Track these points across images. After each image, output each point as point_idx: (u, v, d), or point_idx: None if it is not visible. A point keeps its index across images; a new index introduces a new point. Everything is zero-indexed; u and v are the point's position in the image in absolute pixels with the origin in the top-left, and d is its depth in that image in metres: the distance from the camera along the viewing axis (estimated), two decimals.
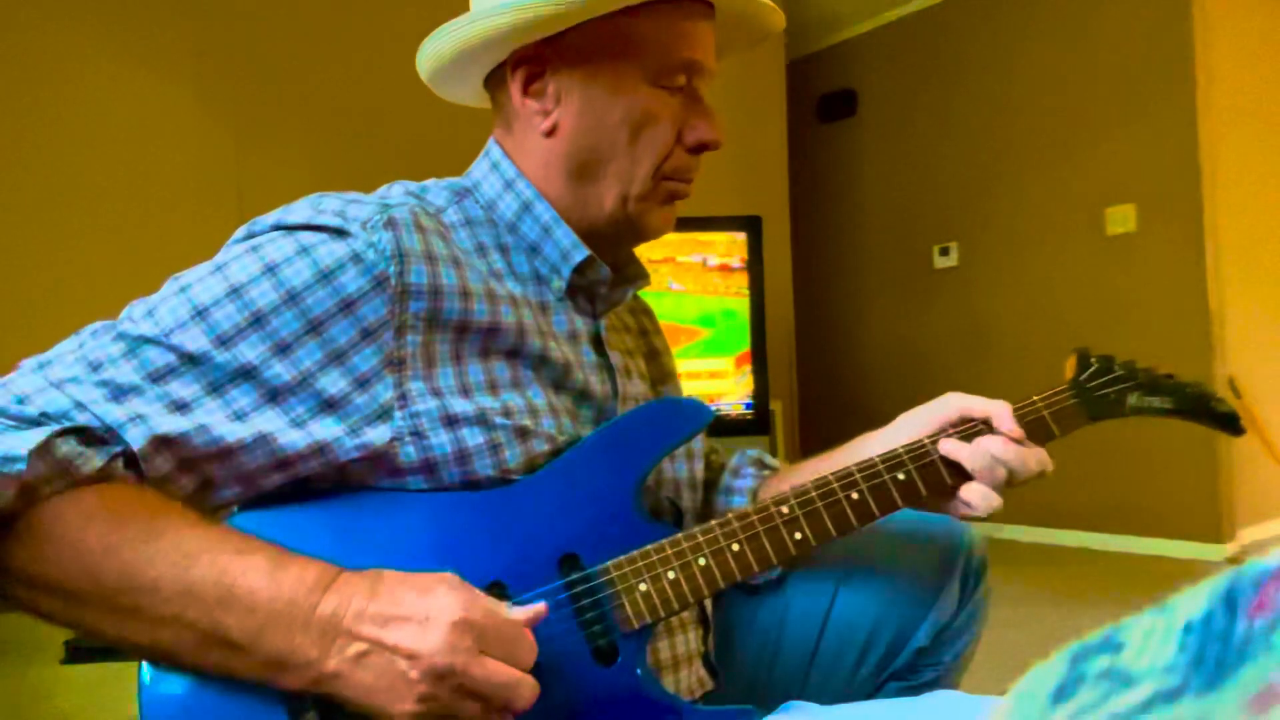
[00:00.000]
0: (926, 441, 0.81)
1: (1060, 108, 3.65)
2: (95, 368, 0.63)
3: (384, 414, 0.68)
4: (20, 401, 0.61)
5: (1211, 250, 3.27)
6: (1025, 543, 3.68)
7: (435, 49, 0.80)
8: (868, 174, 4.43)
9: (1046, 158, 3.71)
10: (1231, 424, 0.91)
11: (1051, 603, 2.69)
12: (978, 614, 0.97)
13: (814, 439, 3.78)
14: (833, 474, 0.79)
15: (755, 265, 3.10)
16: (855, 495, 0.78)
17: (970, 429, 0.81)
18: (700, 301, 3.21)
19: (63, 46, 2.40)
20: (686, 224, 2.95)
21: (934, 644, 0.95)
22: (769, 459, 0.99)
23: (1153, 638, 0.23)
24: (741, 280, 3.23)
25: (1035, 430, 0.82)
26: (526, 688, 0.62)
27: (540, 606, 0.65)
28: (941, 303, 4.11)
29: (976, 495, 0.79)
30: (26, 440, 0.57)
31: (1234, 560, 3.24)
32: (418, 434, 0.68)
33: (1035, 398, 0.84)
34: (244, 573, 0.60)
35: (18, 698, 1.73)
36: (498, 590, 0.68)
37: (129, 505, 0.61)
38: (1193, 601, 0.23)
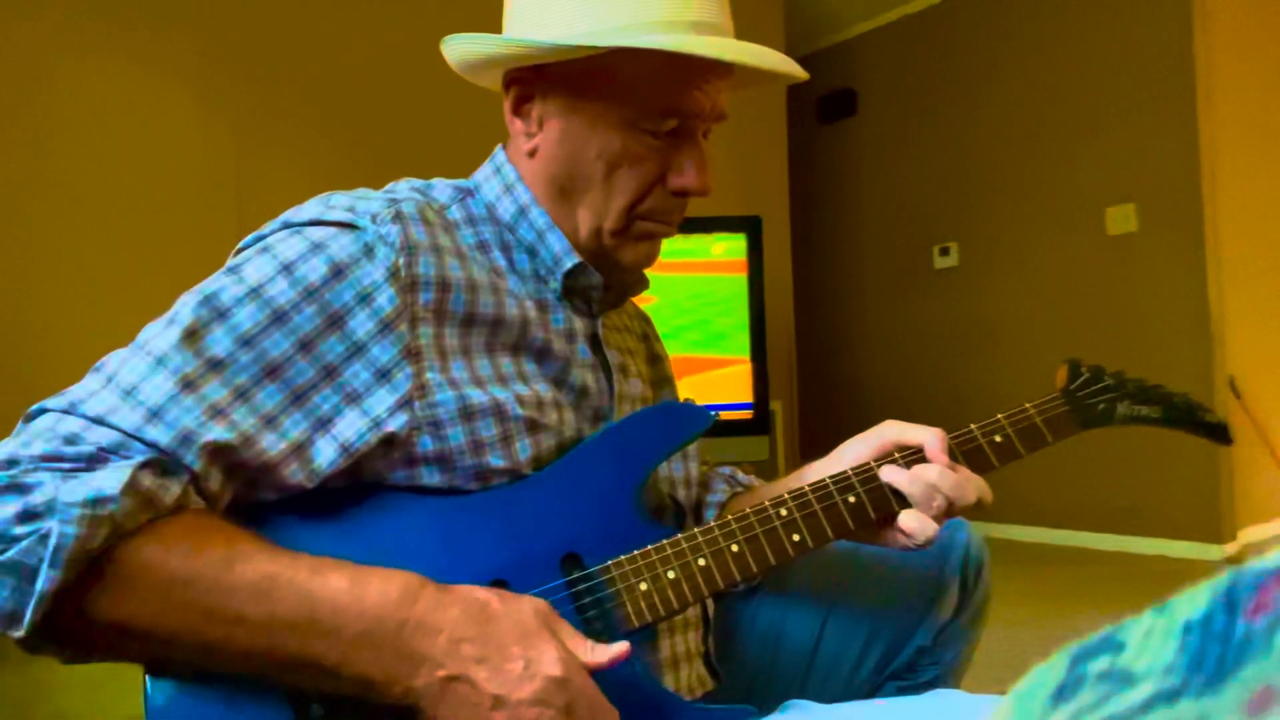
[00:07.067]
0: (873, 465, 0.80)
1: (1060, 107, 3.65)
2: (129, 393, 0.61)
3: (404, 404, 0.68)
4: (71, 441, 0.59)
5: (1211, 250, 3.27)
6: (1025, 543, 3.68)
7: (447, 54, 0.83)
8: (868, 174, 4.43)
9: (1046, 158, 3.70)
10: (1219, 434, 0.92)
11: (1051, 603, 2.69)
12: (978, 614, 0.98)
13: (814, 439, 3.78)
14: (809, 485, 0.78)
15: (755, 265, 3.10)
16: (854, 498, 0.78)
17: (909, 456, 0.80)
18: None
19: (64, 47, 2.40)
20: (686, 224, 2.93)
21: (934, 643, 0.95)
22: (742, 475, 1.00)
23: (1153, 638, 0.23)
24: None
25: (1028, 436, 0.83)
26: None
27: (623, 646, 0.64)
28: (941, 303, 4.11)
29: (913, 522, 0.77)
30: (113, 478, 0.56)
31: (1234, 560, 3.24)
32: (435, 424, 0.69)
33: (1028, 405, 0.85)
34: (325, 595, 0.59)
35: (18, 698, 1.73)
36: (500, 587, 0.68)
37: (202, 533, 0.60)
38: (1193, 601, 0.23)
